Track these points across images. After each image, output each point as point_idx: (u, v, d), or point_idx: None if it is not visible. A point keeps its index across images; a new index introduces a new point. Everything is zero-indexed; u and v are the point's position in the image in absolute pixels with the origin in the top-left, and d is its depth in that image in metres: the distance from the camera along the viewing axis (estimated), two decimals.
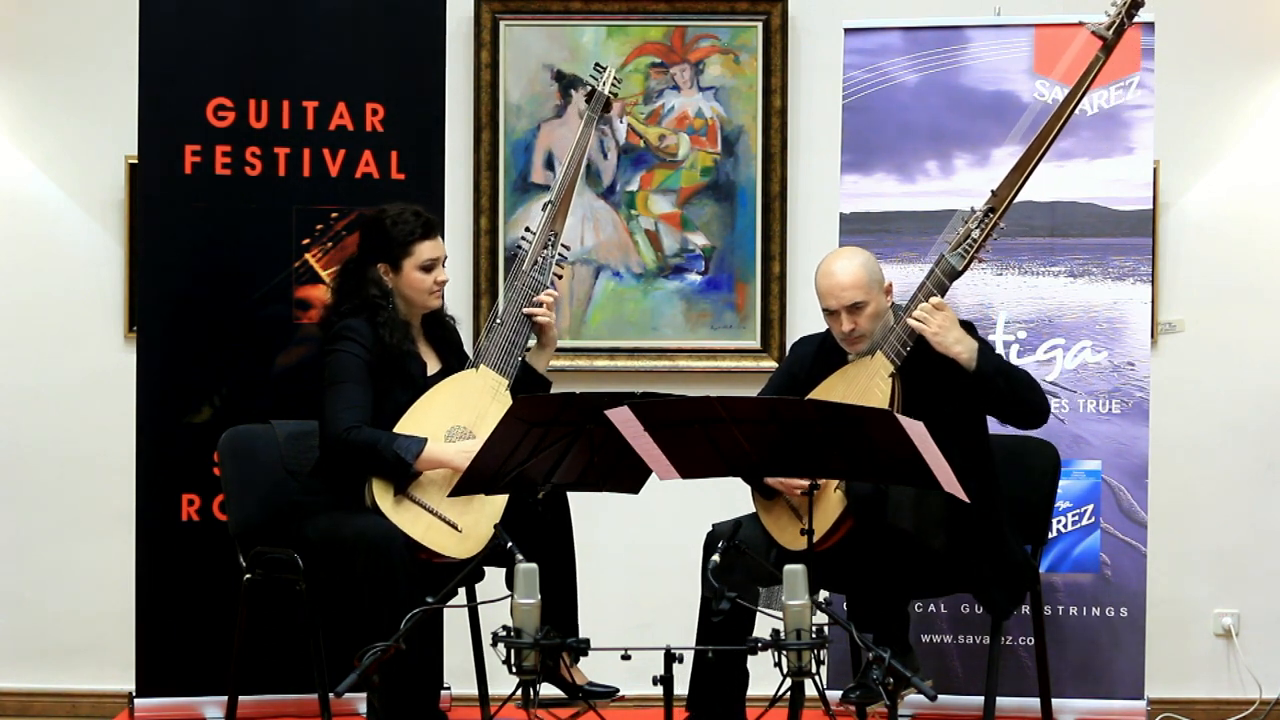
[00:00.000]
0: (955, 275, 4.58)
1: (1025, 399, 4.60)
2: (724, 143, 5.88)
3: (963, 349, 4.52)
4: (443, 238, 4.85)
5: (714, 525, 4.67)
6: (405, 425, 4.62)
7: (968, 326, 4.61)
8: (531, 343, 4.85)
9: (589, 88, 5.01)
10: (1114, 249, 5.34)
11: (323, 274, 5.31)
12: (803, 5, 5.84)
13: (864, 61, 5.45)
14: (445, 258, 4.80)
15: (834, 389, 4.61)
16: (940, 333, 4.52)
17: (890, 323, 4.63)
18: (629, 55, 5.87)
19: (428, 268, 4.74)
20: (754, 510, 4.72)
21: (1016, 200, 4.63)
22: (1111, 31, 4.65)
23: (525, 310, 4.79)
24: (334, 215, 5.35)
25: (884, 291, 4.65)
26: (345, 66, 5.35)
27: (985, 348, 4.59)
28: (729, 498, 4.82)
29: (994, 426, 4.75)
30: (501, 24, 5.85)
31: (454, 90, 5.61)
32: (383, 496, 4.57)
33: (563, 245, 4.90)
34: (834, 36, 5.55)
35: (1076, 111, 4.70)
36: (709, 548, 4.63)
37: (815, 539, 4.26)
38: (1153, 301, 5.47)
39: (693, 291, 5.90)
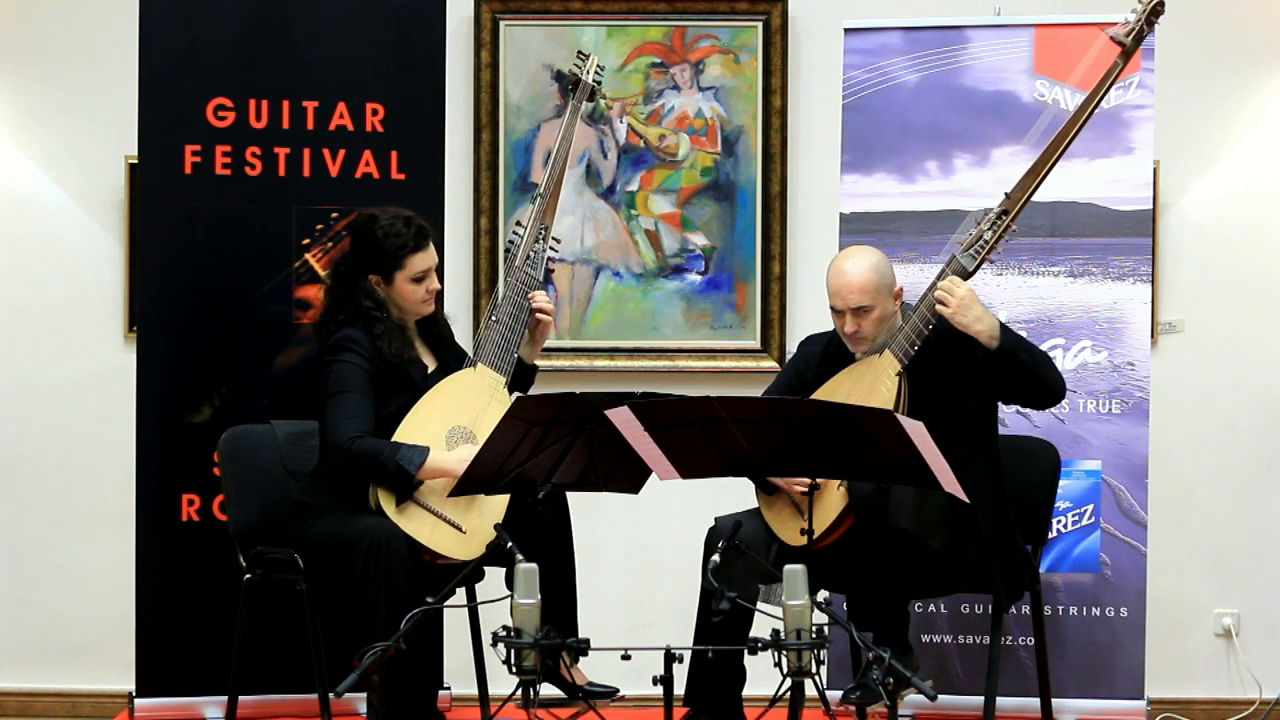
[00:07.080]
0: (966, 276, 4.57)
1: (1045, 376, 4.61)
2: (724, 143, 5.88)
3: (983, 327, 4.52)
4: (436, 243, 4.80)
5: (716, 519, 4.68)
6: (406, 428, 4.61)
7: None
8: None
9: (572, 77, 5.00)
10: (1114, 249, 5.34)
11: (322, 274, 5.31)
12: (803, 5, 5.84)
13: (864, 61, 5.44)
14: (437, 264, 4.78)
15: (840, 387, 4.62)
16: (959, 310, 4.52)
17: (899, 323, 4.63)
18: (629, 55, 5.87)
19: (419, 279, 4.71)
20: (756, 505, 4.72)
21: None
22: (1130, 38, 4.64)
23: (533, 306, 4.79)
24: (334, 215, 5.35)
25: (893, 296, 4.65)
26: (345, 66, 5.35)
27: (1004, 326, 4.60)
28: (729, 498, 4.82)
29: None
30: (501, 24, 5.85)
31: (454, 90, 5.61)
32: (387, 502, 4.55)
33: (554, 238, 4.88)
34: (834, 36, 5.56)
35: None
36: (710, 543, 4.63)
37: (816, 535, 4.27)
38: (1153, 301, 5.47)
39: (693, 291, 5.90)
